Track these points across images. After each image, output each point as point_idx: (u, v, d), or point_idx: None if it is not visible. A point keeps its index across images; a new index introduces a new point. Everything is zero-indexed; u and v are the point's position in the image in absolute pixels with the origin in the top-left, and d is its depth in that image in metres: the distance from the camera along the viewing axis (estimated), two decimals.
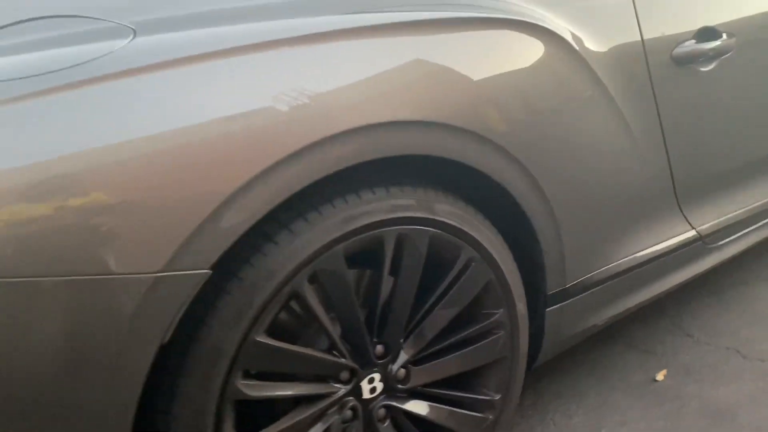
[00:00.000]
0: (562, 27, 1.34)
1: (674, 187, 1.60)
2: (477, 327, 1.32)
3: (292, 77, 1.04)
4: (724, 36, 1.57)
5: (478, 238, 1.27)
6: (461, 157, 1.21)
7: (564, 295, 1.45)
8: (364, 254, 1.18)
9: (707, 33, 1.55)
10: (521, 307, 1.37)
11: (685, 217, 1.65)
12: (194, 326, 1.03)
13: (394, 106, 1.12)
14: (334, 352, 1.18)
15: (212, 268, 0.98)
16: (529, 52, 1.29)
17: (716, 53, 1.56)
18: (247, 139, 0.99)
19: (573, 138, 1.38)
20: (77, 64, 0.94)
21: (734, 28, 1.60)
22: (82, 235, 0.89)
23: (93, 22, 1.03)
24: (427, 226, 1.21)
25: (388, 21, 1.16)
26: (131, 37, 1.00)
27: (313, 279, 1.11)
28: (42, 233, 0.88)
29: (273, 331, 1.10)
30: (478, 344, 1.33)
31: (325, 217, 1.10)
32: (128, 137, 0.92)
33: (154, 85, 0.96)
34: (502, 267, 1.31)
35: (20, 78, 0.92)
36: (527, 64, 1.29)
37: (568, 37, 1.33)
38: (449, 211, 1.23)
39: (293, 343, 1.16)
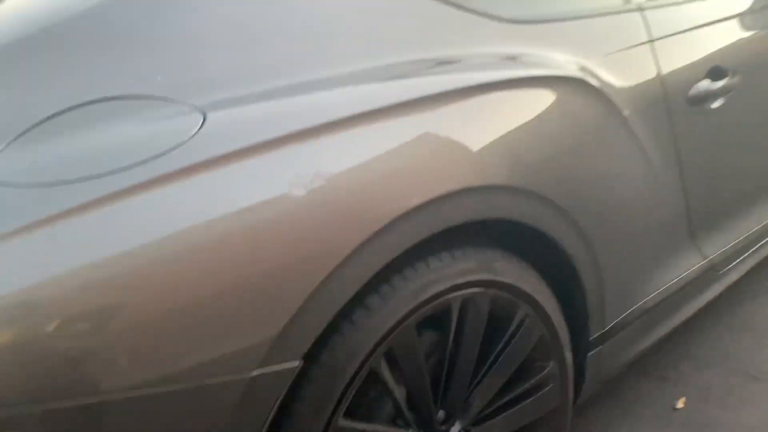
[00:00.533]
0: (596, 78, 1.35)
1: (689, 221, 1.64)
2: (530, 381, 1.32)
3: (364, 155, 1.02)
4: (730, 74, 1.62)
5: (532, 294, 1.26)
6: (516, 215, 1.21)
7: (603, 337, 1.46)
8: (427, 319, 1.16)
9: (717, 72, 1.59)
10: (569, 356, 1.37)
11: (699, 249, 1.70)
12: (281, 417, 0.98)
13: (464, 174, 1.11)
14: (400, 422, 1.16)
15: (303, 358, 0.95)
16: (568, 105, 1.30)
17: (724, 91, 1.61)
18: (333, 222, 0.96)
19: (609, 182, 1.39)
20: (148, 159, 0.89)
21: (737, 65, 1.65)
22: (178, 343, 0.84)
23: (158, 105, 0.97)
24: (490, 287, 1.20)
25: (438, 90, 1.14)
26: (201, 121, 0.95)
27: (387, 354, 1.09)
28: (136, 343, 0.82)
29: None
30: (531, 398, 1.32)
31: (398, 290, 1.08)
32: (215, 229, 0.88)
33: (233, 175, 0.92)
34: (553, 319, 1.31)
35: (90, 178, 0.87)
36: (567, 117, 1.30)
37: (604, 89, 1.35)
38: (507, 269, 1.23)
39: (358, 417, 1.12)
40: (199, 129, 0.95)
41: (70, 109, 0.95)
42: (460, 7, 1.28)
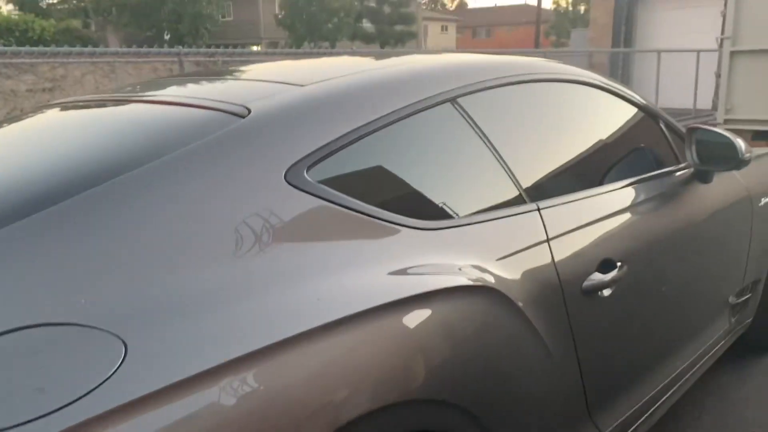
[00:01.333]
0: (499, 280, 1.46)
1: (586, 400, 1.75)
2: None
3: (299, 375, 1.08)
4: (619, 264, 1.79)
5: None
6: (425, 425, 1.28)
7: None
8: None
9: (607, 264, 1.75)
10: None
11: (595, 425, 1.80)
12: None
13: (391, 389, 1.19)
14: None
15: None
16: (474, 312, 1.39)
17: (613, 281, 1.76)
18: None
19: (512, 378, 1.48)
20: (71, 402, 0.91)
21: (624, 257, 1.82)
22: None
23: (79, 334, 0.99)
24: None
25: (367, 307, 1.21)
26: (123, 353, 0.98)
27: None
28: None
29: None
30: None
31: None
32: None
33: (158, 413, 0.95)
34: None
35: None
36: (474, 325, 1.39)
37: (506, 290, 1.46)
38: None
39: None
40: (121, 363, 0.97)
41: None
42: (366, 215, 1.37)
